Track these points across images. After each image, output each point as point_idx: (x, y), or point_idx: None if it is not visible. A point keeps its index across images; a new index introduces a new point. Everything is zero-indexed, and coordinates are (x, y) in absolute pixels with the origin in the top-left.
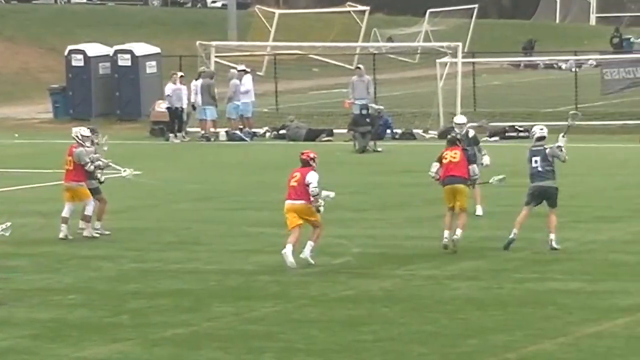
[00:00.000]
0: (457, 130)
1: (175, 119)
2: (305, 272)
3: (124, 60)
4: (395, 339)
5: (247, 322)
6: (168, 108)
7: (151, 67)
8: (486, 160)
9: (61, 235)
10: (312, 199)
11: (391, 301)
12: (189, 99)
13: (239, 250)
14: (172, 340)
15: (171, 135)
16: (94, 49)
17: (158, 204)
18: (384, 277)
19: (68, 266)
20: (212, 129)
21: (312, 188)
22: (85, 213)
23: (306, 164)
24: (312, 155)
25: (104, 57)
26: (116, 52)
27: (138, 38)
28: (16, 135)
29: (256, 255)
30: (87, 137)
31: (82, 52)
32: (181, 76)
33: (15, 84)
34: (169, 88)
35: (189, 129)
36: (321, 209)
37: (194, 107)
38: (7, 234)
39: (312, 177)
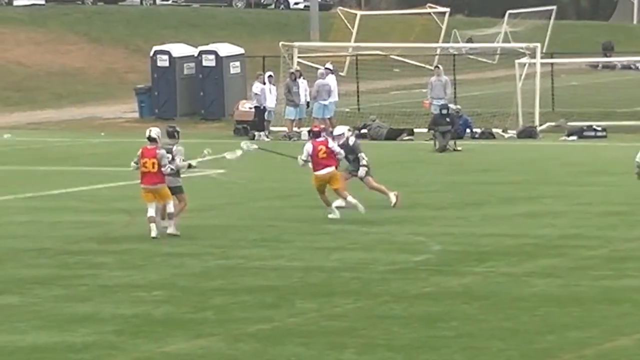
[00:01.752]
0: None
1: (262, 118)
2: (386, 270)
3: (209, 61)
4: (475, 335)
5: (329, 318)
6: (255, 107)
7: (235, 67)
8: (361, 172)
9: (153, 234)
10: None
11: (470, 298)
12: (278, 99)
13: (320, 247)
14: (255, 336)
15: (257, 133)
16: (179, 50)
17: (241, 202)
18: (464, 274)
19: (152, 263)
20: (295, 129)
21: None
22: (168, 211)
23: (318, 135)
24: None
25: (189, 58)
26: (201, 52)
27: (222, 39)
28: (102, 134)
29: (338, 252)
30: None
31: (168, 52)
32: (269, 76)
33: (102, 84)
34: (257, 87)
35: (272, 128)
36: None
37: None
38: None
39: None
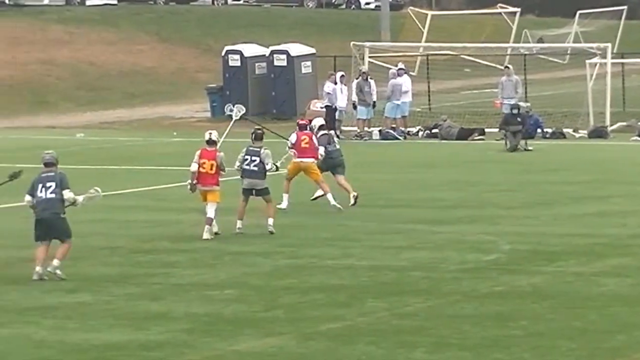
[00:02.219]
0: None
1: (333, 118)
2: (456, 269)
3: (280, 61)
4: (544, 334)
5: (400, 317)
6: (327, 106)
7: (306, 67)
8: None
9: (205, 236)
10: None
11: (540, 297)
12: (349, 98)
13: (391, 246)
14: (326, 335)
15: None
16: (251, 50)
17: (313, 201)
18: (533, 273)
19: (223, 262)
20: (365, 128)
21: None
22: (208, 215)
23: (304, 127)
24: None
25: (260, 58)
26: (272, 52)
27: (293, 39)
28: (174, 133)
29: (408, 251)
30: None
31: (239, 52)
32: (341, 75)
33: (173, 83)
34: (328, 86)
35: (343, 128)
36: None
37: (354, 106)
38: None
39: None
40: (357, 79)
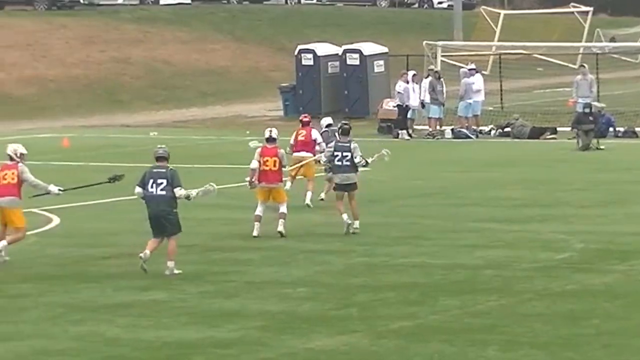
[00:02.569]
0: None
1: (405, 117)
2: (529, 267)
3: (353, 60)
4: (616, 333)
5: (472, 316)
6: (398, 105)
7: (379, 66)
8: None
9: (255, 233)
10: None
11: (612, 296)
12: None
13: (463, 244)
14: (398, 333)
15: (400, 132)
16: (324, 49)
17: (385, 200)
18: (606, 272)
19: (297, 260)
20: (437, 127)
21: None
22: (281, 211)
23: (307, 124)
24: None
25: (333, 57)
26: (345, 51)
27: (365, 38)
28: (247, 132)
29: (480, 249)
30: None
31: (312, 51)
32: (414, 74)
33: (246, 82)
34: (400, 86)
35: (415, 127)
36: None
37: (422, 105)
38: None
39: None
40: (426, 77)
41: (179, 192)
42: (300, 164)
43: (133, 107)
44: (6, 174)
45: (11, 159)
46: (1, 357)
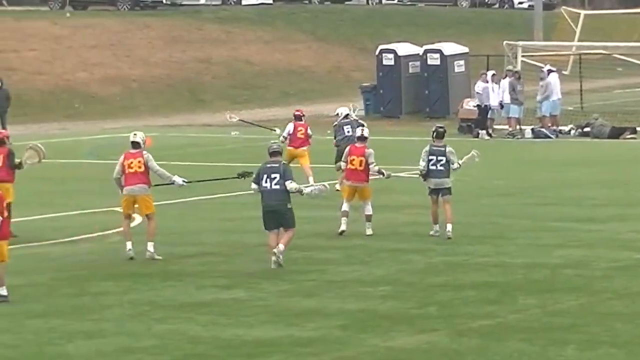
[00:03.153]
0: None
1: (485, 116)
2: (608, 267)
3: (433, 60)
4: None
5: (551, 315)
6: (477, 105)
7: (459, 66)
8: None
9: (342, 227)
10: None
11: None
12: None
13: (543, 244)
14: (478, 331)
15: (481, 132)
16: (404, 49)
17: (465, 199)
18: None
19: (377, 259)
20: (517, 127)
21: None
22: (366, 213)
23: (300, 118)
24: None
25: (414, 57)
26: (426, 51)
27: (446, 38)
28: (328, 132)
29: (560, 249)
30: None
31: (393, 51)
32: (493, 74)
33: (328, 82)
34: (479, 86)
35: (495, 127)
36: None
37: (501, 106)
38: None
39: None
40: (504, 78)
41: (290, 185)
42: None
43: (215, 107)
44: (132, 163)
45: (136, 146)
46: (85, 355)
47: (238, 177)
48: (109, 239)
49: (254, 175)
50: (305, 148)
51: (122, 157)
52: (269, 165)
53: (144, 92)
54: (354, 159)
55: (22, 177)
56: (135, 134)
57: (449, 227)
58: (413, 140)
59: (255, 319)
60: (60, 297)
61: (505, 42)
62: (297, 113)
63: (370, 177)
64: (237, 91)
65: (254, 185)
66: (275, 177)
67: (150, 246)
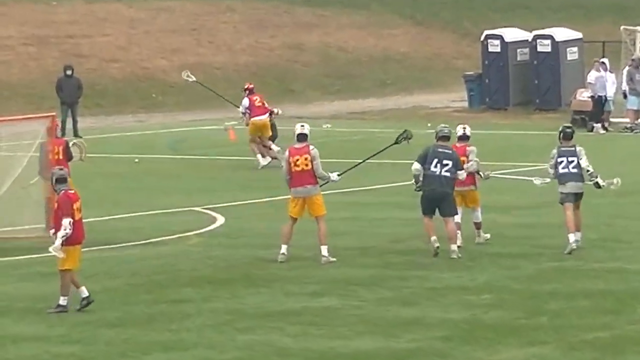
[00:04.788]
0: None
1: (600, 108)
2: None
3: (544, 46)
4: None
5: None
6: (591, 97)
7: (572, 53)
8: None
9: (480, 240)
10: None
11: None
12: (618, 87)
13: None
14: (593, 344)
15: (596, 125)
16: (512, 34)
17: None
18: None
19: (482, 264)
20: (637, 120)
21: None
22: (475, 220)
23: (252, 91)
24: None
25: (522, 43)
26: (535, 37)
27: (557, 22)
28: (429, 124)
29: None
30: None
31: (499, 37)
32: (602, 63)
33: (428, 70)
34: (592, 76)
35: (612, 119)
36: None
37: (625, 96)
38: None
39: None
40: (629, 66)
41: (462, 175)
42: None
43: (305, 97)
44: (297, 160)
45: (303, 139)
46: None
47: (398, 142)
48: (189, 241)
49: (419, 156)
50: (266, 116)
51: (286, 154)
52: (440, 150)
53: (228, 81)
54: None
55: (95, 173)
56: (302, 126)
57: (579, 235)
58: (521, 135)
59: (350, 330)
60: (135, 304)
61: (622, 27)
62: (250, 87)
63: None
64: (329, 80)
65: (416, 166)
66: (447, 164)
67: (324, 250)
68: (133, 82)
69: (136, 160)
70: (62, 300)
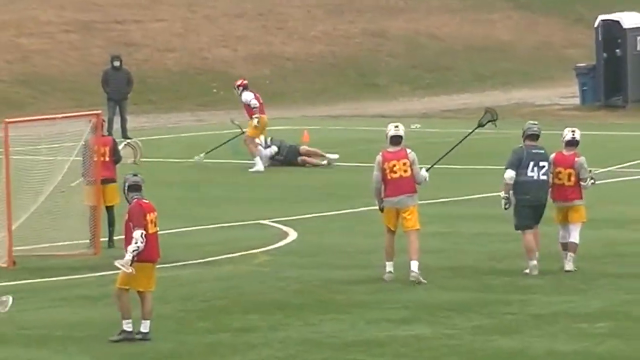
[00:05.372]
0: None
1: None
2: None
3: None
4: None
5: None
6: None
7: None
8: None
9: (566, 267)
10: None
11: None
12: None
13: None
14: None
15: None
16: (631, 19)
17: None
18: None
19: (596, 287)
20: None
21: None
22: (573, 240)
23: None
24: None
25: None
26: None
27: None
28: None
29: None
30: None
31: (617, 22)
32: None
33: (534, 61)
34: None
35: None
36: None
37: None
38: None
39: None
40: None
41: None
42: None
43: (390, 93)
44: (394, 166)
45: (398, 142)
46: None
47: (482, 125)
48: (255, 260)
49: (511, 161)
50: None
51: (379, 158)
52: (535, 151)
53: (301, 74)
54: (560, 172)
55: (145, 180)
56: (397, 127)
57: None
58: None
59: None
60: (191, 333)
61: None
62: (245, 82)
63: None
64: (417, 73)
65: (510, 173)
66: (543, 166)
67: (414, 265)
68: (191, 75)
69: (196, 158)
70: (126, 325)
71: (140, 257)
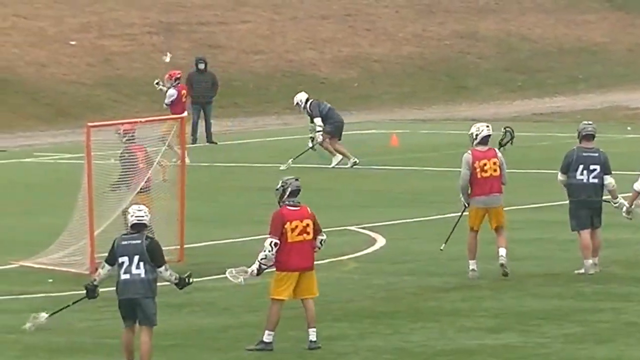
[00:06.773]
0: None
1: None
2: None
3: None
4: None
5: None
6: None
7: None
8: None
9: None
10: None
11: None
12: None
13: None
14: None
15: None
16: None
17: None
18: None
19: None
20: None
21: None
22: None
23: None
24: None
25: None
26: None
27: None
28: (629, 128)
29: None
30: None
31: None
32: None
33: (629, 63)
34: None
35: None
36: None
37: None
38: None
39: None
40: None
41: (608, 179)
42: None
43: (481, 95)
44: (485, 165)
45: (486, 142)
46: None
47: (502, 146)
48: (344, 267)
49: (562, 164)
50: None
51: (469, 157)
52: (585, 154)
53: (390, 77)
54: None
55: (229, 186)
56: (488, 126)
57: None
58: None
59: None
60: (280, 341)
61: None
62: (178, 75)
63: None
64: (509, 75)
65: (559, 177)
66: (594, 170)
67: (502, 251)
68: (277, 78)
69: (282, 168)
70: (267, 336)
71: (280, 267)
